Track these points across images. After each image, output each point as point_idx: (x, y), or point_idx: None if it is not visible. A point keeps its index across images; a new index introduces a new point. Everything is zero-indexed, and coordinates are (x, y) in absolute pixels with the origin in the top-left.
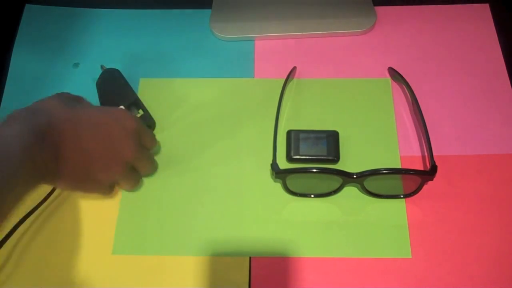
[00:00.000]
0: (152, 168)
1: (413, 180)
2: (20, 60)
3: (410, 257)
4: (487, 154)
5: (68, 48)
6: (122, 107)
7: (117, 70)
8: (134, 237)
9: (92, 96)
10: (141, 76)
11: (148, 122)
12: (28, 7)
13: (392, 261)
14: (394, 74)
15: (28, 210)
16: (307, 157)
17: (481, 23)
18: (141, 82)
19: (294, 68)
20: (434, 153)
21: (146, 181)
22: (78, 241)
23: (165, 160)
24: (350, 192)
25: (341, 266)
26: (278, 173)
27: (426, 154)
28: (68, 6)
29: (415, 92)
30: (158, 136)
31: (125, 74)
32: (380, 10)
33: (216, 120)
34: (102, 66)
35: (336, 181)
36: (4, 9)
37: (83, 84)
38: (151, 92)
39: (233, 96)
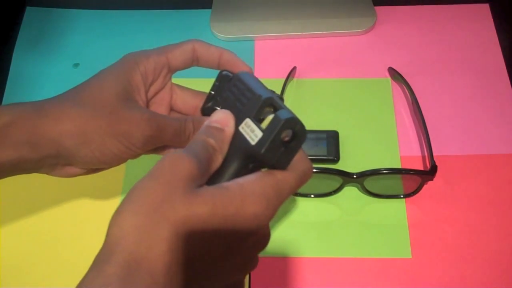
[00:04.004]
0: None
1: (413, 180)
2: (21, 61)
3: (410, 257)
4: (487, 154)
5: (68, 49)
6: None
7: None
8: None
9: None
10: None
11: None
12: (29, 10)
13: (392, 261)
14: (394, 74)
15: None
16: None
17: (481, 23)
18: None
19: (294, 68)
20: (434, 153)
21: None
22: (79, 241)
23: None
24: (350, 192)
25: (341, 266)
26: None
27: (426, 154)
28: (68, 8)
29: (415, 92)
30: None
31: None
32: (380, 10)
33: None
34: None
35: (336, 181)
36: (5, 11)
37: None
38: None
39: None
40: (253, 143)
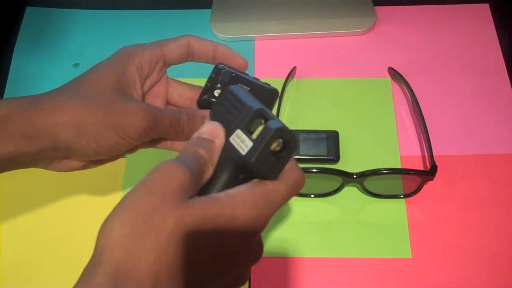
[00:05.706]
0: None
1: (413, 180)
2: (21, 61)
3: (410, 257)
4: (487, 154)
5: (68, 49)
6: None
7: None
8: None
9: None
10: None
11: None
12: (29, 10)
13: (392, 261)
14: (394, 74)
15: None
16: (307, 157)
17: (481, 23)
18: None
19: (294, 68)
20: (434, 153)
21: None
22: (78, 241)
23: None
24: (350, 192)
25: (341, 266)
26: None
27: (426, 154)
28: (68, 8)
29: (415, 92)
30: None
31: None
32: (380, 10)
33: None
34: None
35: (336, 181)
36: (5, 11)
37: None
38: None
39: None
40: (243, 153)
